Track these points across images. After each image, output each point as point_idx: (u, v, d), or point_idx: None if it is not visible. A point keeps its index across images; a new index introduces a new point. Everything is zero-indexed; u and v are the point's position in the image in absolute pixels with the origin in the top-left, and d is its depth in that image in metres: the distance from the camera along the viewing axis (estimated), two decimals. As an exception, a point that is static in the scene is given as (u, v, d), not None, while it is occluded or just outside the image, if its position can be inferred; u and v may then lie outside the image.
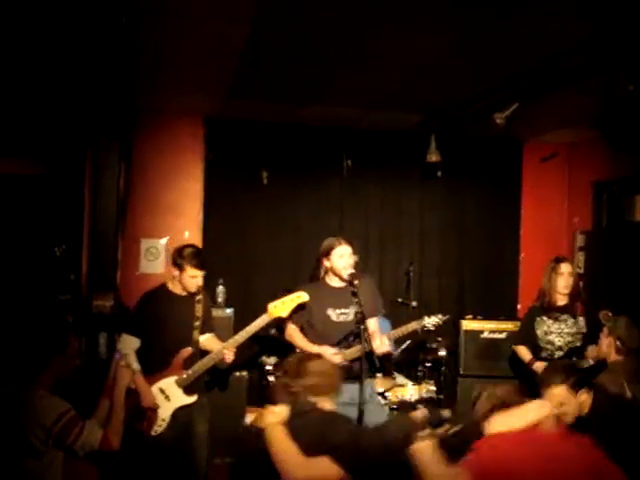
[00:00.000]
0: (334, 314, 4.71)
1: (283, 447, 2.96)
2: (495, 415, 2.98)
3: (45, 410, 3.19)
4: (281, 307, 4.57)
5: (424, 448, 2.74)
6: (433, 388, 6.33)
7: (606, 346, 4.39)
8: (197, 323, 4.62)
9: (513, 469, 2.76)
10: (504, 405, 3.03)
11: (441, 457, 2.73)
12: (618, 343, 4.29)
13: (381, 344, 4.61)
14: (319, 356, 3.77)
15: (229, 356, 4.55)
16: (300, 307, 4.65)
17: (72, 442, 3.20)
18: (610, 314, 4.66)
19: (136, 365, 4.41)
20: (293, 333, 4.80)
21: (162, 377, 4.49)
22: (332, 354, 4.58)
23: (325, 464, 2.88)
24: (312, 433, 3.00)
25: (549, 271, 5.33)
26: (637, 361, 4.24)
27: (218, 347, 4.60)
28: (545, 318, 5.26)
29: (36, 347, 3.36)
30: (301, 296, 4.62)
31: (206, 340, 4.72)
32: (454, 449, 2.84)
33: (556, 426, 3.02)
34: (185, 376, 4.48)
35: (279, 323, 4.92)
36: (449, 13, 3.89)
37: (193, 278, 4.52)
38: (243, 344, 4.73)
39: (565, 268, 5.28)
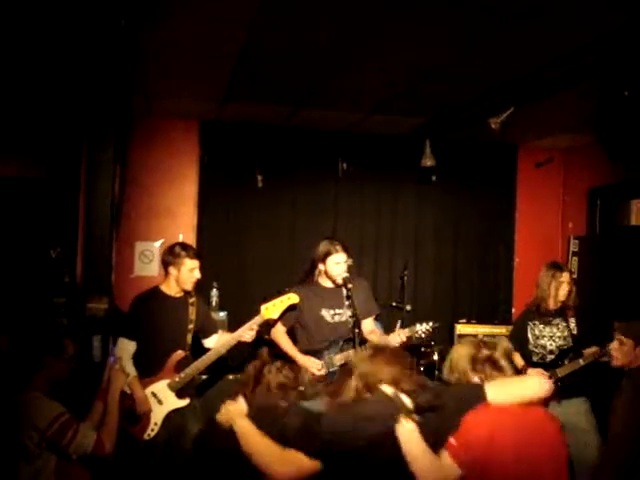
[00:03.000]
0: (328, 314, 4.71)
1: (256, 440, 3.04)
2: (491, 379, 3.01)
3: (39, 412, 3.19)
4: (272, 309, 4.58)
5: (409, 432, 2.75)
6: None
7: (627, 354, 4.26)
8: (191, 326, 4.61)
9: (496, 455, 2.77)
10: (491, 361, 3.08)
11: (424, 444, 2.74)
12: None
13: (396, 335, 4.61)
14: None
15: (249, 335, 4.58)
16: (291, 308, 4.65)
17: (66, 445, 3.20)
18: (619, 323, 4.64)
19: (132, 369, 4.41)
20: (279, 335, 4.80)
21: (154, 381, 4.48)
22: (316, 368, 4.57)
23: (300, 455, 2.91)
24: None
25: (547, 278, 5.27)
26: None
27: (234, 333, 4.61)
28: (537, 322, 5.26)
29: (30, 349, 3.36)
30: (292, 297, 4.62)
31: (218, 339, 4.72)
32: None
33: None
34: (177, 379, 4.47)
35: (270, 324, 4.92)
36: (447, 19, 3.91)
37: (191, 271, 4.52)
38: (236, 347, 4.73)
39: (565, 277, 5.26)
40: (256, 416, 3.19)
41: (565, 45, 4.26)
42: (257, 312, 4.64)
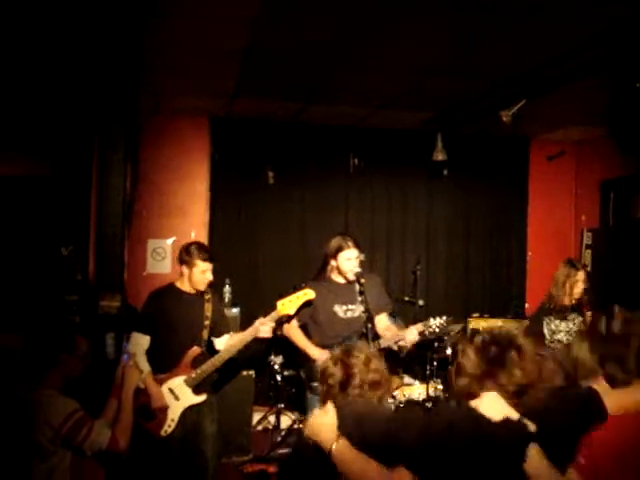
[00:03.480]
0: (341, 310, 4.70)
1: (360, 467, 2.59)
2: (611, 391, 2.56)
3: (54, 409, 3.19)
4: (288, 304, 4.56)
5: (536, 453, 2.41)
6: (440, 387, 6.32)
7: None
8: (206, 322, 4.60)
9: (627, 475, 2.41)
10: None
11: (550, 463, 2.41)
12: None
13: (409, 333, 4.60)
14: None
15: (266, 330, 4.53)
16: (306, 304, 4.64)
17: (80, 442, 3.20)
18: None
19: (146, 366, 4.40)
20: (293, 330, 4.79)
21: (171, 377, 4.47)
22: None
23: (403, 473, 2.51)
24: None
25: (563, 277, 5.26)
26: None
27: (250, 328, 4.58)
28: (553, 318, 5.24)
29: (44, 347, 3.36)
30: (308, 293, 4.60)
31: (228, 340, 4.71)
32: None
33: None
34: (194, 375, 4.46)
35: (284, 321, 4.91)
36: (457, 12, 3.88)
37: (203, 273, 4.51)
38: (249, 344, 4.71)
39: (580, 276, 5.25)
40: (353, 426, 2.70)
41: (576, 37, 4.23)
42: (272, 308, 4.63)
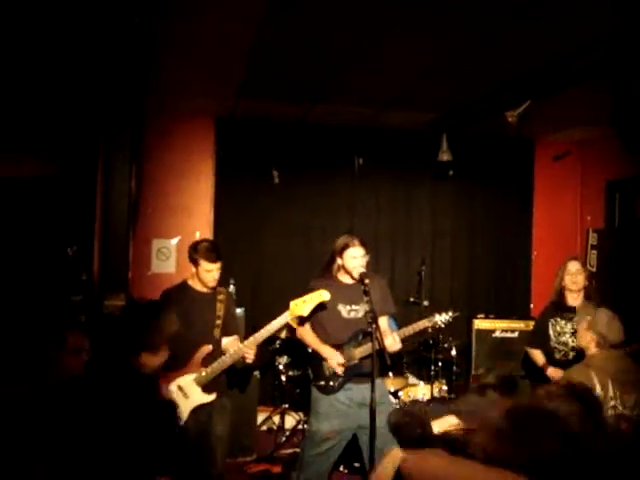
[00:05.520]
0: (344, 310, 4.69)
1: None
2: None
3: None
4: (302, 305, 4.50)
5: None
6: (445, 387, 6.32)
7: (586, 339, 4.22)
8: (218, 322, 4.60)
9: None
10: None
11: None
12: (597, 337, 4.11)
13: (393, 342, 4.59)
14: None
15: (250, 355, 4.51)
16: (320, 306, 4.60)
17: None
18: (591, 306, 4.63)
19: None
20: (305, 331, 4.78)
21: (181, 374, 4.46)
22: (337, 363, 4.57)
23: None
24: None
25: (560, 271, 5.33)
26: (619, 358, 4.03)
27: (238, 346, 4.57)
28: (559, 319, 5.23)
29: (32, 343, 3.36)
30: (322, 294, 4.54)
31: (229, 342, 4.70)
32: None
33: None
34: (204, 374, 4.45)
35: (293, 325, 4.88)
36: (463, 13, 3.88)
37: (209, 272, 4.50)
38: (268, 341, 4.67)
39: (572, 266, 5.26)
40: None
41: (582, 37, 4.22)
42: (275, 309, 4.62)
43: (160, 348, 3.25)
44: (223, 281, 6.17)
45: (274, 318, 4.55)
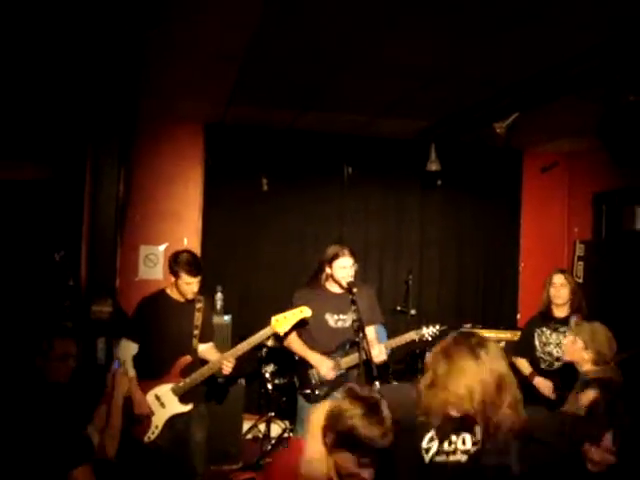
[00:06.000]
0: (332, 319, 4.70)
1: None
2: None
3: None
4: (283, 321, 4.52)
5: None
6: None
7: (582, 357, 4.26)
8: (196, 332, 4.59)
9: None
10: None
11: None
12: (595, 356, 4.17)
13: (379, 353, 4.59)
14: None
15: (227, 367, 4.50)
16: (300, 323, 4.62)
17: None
18: (580, 321, 4.70)
19: (132, 372, 4.40)
20: (292, 341, 4.78)
21: (159, 384, 4.46)
22: (328, 368, 4.57)
23: None
24: None
25: (546, 284, 5.35)
26: (612, 372, 4.12)
27: (217, 357, 4.56)
28: (544, 329, 5.25)
29: (17, 348, 3.34)
30: (304, 311, 4.57)
31: (205, 350, 4.68)
32: None
33: None
34: (182, 384, 4.45)
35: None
36: (451, 23, 3.89)
37: (188, 285, 4.48)
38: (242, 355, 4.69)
39: (557, 279, 5.28)
40: None
41: (570, 49, 4.25)
42: (262, 317, 4.62)
43: None
44: (210, 288, 6.19)
45: (261, 326, 4.56)
